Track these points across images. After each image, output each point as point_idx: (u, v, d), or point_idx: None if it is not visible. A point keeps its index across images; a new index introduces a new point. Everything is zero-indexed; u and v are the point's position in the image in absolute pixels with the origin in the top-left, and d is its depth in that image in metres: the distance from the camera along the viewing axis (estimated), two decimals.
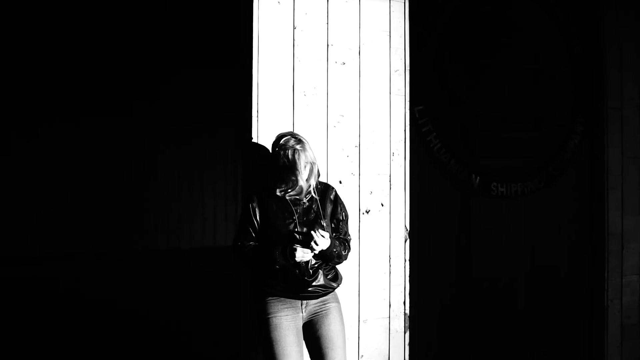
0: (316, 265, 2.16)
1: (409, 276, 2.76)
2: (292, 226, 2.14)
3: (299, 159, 2.12)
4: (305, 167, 2.13)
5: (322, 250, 2.10)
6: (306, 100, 2.55)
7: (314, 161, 2.19)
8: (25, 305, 5.29)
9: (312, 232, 2.07)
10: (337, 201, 2.29)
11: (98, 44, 6.95)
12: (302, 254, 2.06)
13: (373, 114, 2.70)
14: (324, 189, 2.27)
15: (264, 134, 2.45)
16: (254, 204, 2.18)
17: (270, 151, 2.26)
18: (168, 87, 7.91)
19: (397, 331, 2.73)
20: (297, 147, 2.14)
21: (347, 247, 2.27)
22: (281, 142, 2.17)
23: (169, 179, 8.08)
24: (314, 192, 2.21)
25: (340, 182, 2.60)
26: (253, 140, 2.44)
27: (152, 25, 6.29)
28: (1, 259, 6.90)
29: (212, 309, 4.99)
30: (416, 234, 2.85)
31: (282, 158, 2.13)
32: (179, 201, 8.09)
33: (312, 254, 2.09)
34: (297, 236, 2.11)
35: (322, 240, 2.08)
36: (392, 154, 2.74)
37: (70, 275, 6.59)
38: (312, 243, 2.05)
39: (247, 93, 2.47)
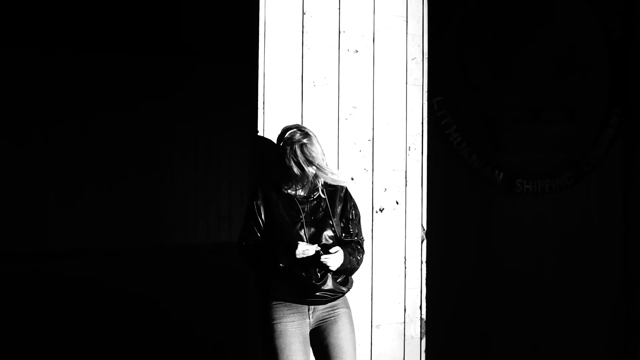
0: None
1: (426, 279, 2.65)
2: (298, 226, 2.02)
3: (306, 154, 1.98)
4: (312, 162, 1.99)
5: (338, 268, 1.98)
6: (316, 91, 2.43)
7: (323, 156, 2.07)
8: (44, 299, 5.34)
9: (320, 256, 1.92)
10: (348, 199, 2.17)
11: (117, 39, 6.98)
12: (305, 249, 1.93)
13: (388, 106, 2.58)
14: (334, 186, 2.14)
15: (270, 127, 2.35)
16: (259, 202, 2.07)
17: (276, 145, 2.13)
18: (185, 83, 7.97)
19: (412, 337, 2.61)
20: (304, 141, 2.03)
21: (361, 251, 2.14)
22: (287, 135, 2.05)
23: (185, 175, 8.12)
24: (322, 190, 2.08)
25: (352, 179, 2.49)
26: (259, 134, 2.33)
27: (174, 19, 6.25)
28: (18, 254, 7.00)
29: (225, 305, 4.94)
30: (433, 234, 2.74)
31: (287, 153, 2.01)
32: (195, 198, 8.11)
33: (315, 248, 1.96)
34: (305, 239, 1.98)
35: (333, 259, 1.94)
36: (408, 148, 2.62)
37: (86, 271, 6.67)
38: (325, 260, 1.92)
39: (253, 83, 2.38)
